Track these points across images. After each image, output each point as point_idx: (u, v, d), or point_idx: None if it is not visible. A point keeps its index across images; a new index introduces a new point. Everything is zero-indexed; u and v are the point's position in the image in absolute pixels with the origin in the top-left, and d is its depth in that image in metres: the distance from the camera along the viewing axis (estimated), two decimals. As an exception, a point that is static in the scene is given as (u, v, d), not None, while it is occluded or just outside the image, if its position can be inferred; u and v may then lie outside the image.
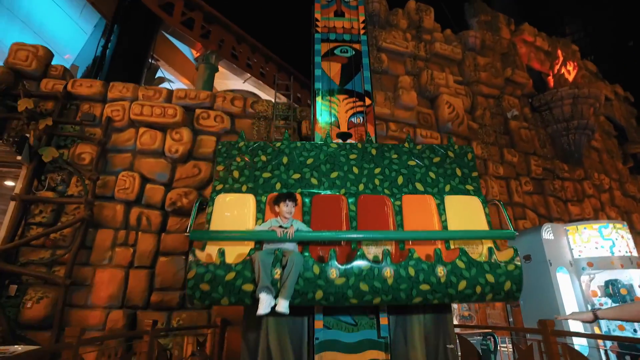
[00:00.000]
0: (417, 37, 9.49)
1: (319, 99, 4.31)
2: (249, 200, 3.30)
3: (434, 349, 3.15)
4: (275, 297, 2.65)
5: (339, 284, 2.65)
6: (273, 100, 7.14)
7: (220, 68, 11.79)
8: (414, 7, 9.79)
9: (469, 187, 3.44)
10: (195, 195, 6.05)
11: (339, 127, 4.19)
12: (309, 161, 3.45)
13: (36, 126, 5.86)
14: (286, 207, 3.09)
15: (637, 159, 14.80)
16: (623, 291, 4.02)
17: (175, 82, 11.44)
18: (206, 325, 5.30)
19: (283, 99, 7.94)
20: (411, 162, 3.49)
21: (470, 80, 9.50)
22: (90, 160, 6.04)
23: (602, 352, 3.82)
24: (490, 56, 10.18)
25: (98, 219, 5.82)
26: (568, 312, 3.97)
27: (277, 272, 2.69)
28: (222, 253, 2.72)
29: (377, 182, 3.40)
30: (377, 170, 3.44)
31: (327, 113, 4.26)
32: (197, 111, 6.63)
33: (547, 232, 4.26)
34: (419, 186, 3.39)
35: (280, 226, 3.00)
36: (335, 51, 4.70)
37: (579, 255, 4.21)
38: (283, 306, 2.59)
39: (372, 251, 3.16)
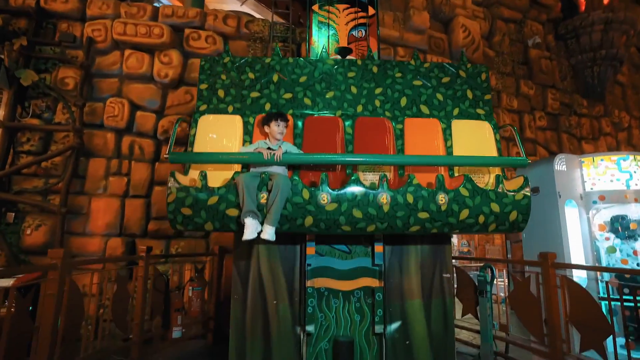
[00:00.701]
0: (435, -53, 8.28)
1: (315, 8, 3.77)
2: (236, 121, 3.02)
3: (430, 278, 3.05)
4: (262, 223, 2.49)
5: (330, 210, 2.47)
6: (270, 20, 6.45)
7: (215, -11, 10.67)
8: None
9: (480, 111, 3.10)
10: (188, 123, 5.73)
11: (337, 41, 3.71)
12: (302, 79, 3.11)
13: (10, 47, 5.39)
14: (277, 127, 2.82)
15: (663, 96, 13.86)
16: (633, 226, 3.83)
17: (163, 1, 10.45)
18: (204, 252, 5.35)
19: (282, 21, 7.19)
20: (417, 82, 3.09)
21: (490, 0, 8.47)
22: (75, 85, 5.66)
23: (601, 284, 3.76)
24: (517, -28, 8.97)
25: (89, 148, 5.61)
26: (573, 247, 3.83)
27: (264, 196, 2.51)
28: (203, 176, 2.52)
29: (377, 103, 3.07)
30: (378, 90, 3.09)
31: (324, 25, 3.74)
32: (187, 31, 6.03)
33: (560, 164, 3.96)
34: (424, 109, 3.06)
35: (269, 148, 2.76)
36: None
37: (592, 188, 3.96)
38: (269, 234, 2.44)
39: (369, 178, 2.93)
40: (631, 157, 3.90)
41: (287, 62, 3.14)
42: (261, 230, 2.46)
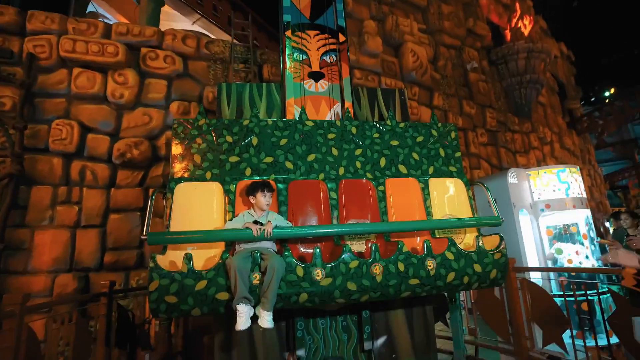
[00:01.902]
0: (383, -21, 8.95)
1: (288, 34, 3.86)
2: (215, 189, 2.85)
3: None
4: (255, 306, 2.35)
5: (325, 285, 2.41)
6: (230, 41, 6.44)
7: (165, 7, 10.39)
8: (380, -55, 9.11)
9: (452, 168, 3.28)
10: (147, 145, 5.44)
11: (310, 66, 3.83)
12: (283, 142, 3.02)
13: None
14: (264, 198, 2.68)
15: (573, 114, 16.07)
16: (573, 229, 4.36)
17: (111, 20, 9.93)
18: (169, 283, 5.01)
19: (240, 43, 7.20)
20: (394, 142, 3.21)
21: (434, 29, 9.31)
22: (13, 106, 5.11)
23: (552, 282, 4.19)
24: (454, 5, 9.98)
25: (31, 175, 5.05)
26: (528, 251, 4.25)
27: (256, 277, 2.38)
28: (189, 258, 2.33)
29: (358, 164, 3.10)
30: (358, 152, 3.12)
31: (297, 50, 3.84)
32: (143, 50, 5.79)
33: (512, 177, 4.42)
34: (402, 168, 3.17)
35: (255, 221, 2.61)
36: (304, -19, 4.17)
37: (539, 198, 4.46)
38: (267, 321, 2.30)
39: (357, 244, 2.93)
40: (567, 169, 4.48)
41: (266, 123, 3.07)
42: (253, 314, 2.34)
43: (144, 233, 2.50)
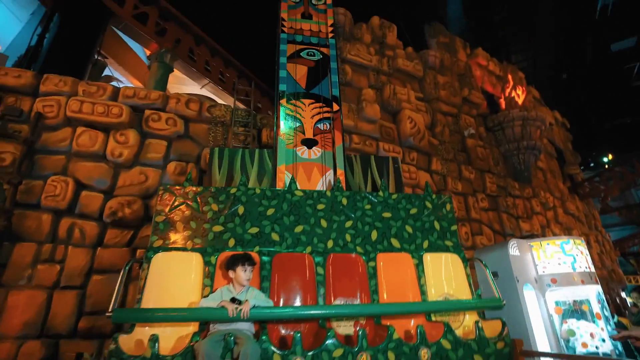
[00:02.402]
0: (380, 52, 9.57)
1: (283, 102, 3.98)
2: (195, 260, 2.71)
3: None
4: None
5: None
6: (232, 106, 6.69)
7: (176, 72, 11.09)
8: (378, 23, 9.91)
9: (448, 242, 3.13)
10: (139, 204, 5.37)
11: (304, 133, 3.88)
12: (270, 212, 2.93)
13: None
14: (244, 273, 2.55)
15: (573, 179, 16.10)
16: (585, 307, 4.04)
17: (125, 83, 10.54)
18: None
19: (243, 107, 7.51)
20: (386, 214, 3.06)
21: (430, 97, 9.71)
22: (12, 161, 5.16)
23: (567, 371, 3.76)
24: (449, 76, 10.54)
25: (17, 231, 4.93)
26: (536, 331, 3.89)
27: None
28: (154, 341, 2.17)
29: (348, 237, 2.97)
30: (349, 224, 3.01)
31: (291, 118, 3.93)
32: (147, 112, 6.00)
33: (513, 248, 4.21)
34: (394, 242, 3.03)
35: (233, 299, 2.45)
36: (301, 54, 4.43)
37: (543, 272, 4.20)
38: None
39: (344, 327, 2.71)
40: (572, 241, 4.28)
41: (254, 192, 3.00)
42: None
43: (110, 309, 2.32)
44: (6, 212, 4.83)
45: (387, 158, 4.06)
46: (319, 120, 3.99)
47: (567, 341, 4.08)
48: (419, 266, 2.99)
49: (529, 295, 4.10)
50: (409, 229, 3.12)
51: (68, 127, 5.64)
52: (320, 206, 3.05)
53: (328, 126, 3.96)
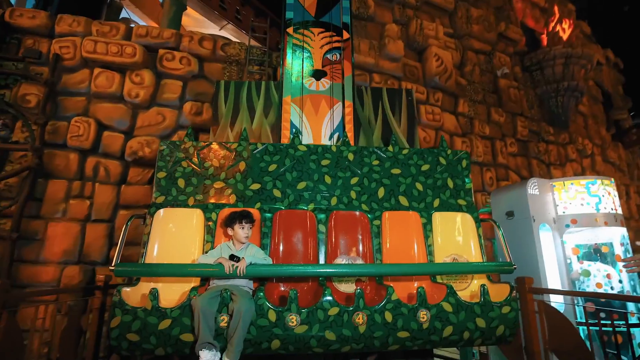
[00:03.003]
0: (408, -18, 8.70)
1: (290, 31, 3.76)
2: (196, 216, 2.72)
3: None
4: (221, 352, 2.17)
5: (299, 332, 2.19)
6: (247, 44, 6.46)
7: (194, 14, 10.72)
8: (407, -52, 8.90)
9: (461, 201, 2.94)
10: (158, 144, 5.50)
11: (312, 64, 3.69)
12: (272, 168, 2.84)
13: (-31, 61, 5.10)
14: (242, 230, 2.54)
15: (620, 126, 14.80)
16: (605, 249, 3.87)
17: (138, 22, 10.38)
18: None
19: (258, 45, 7.22)
20: (395, 171, 2.87)
21: (461, 33, 8.91)
22: (37, 103, 5.36)
23: (578, 309, 3.72)
24: (484, 9, 9.52)
25: (49, 169, 5.26)
26: (549, 272, 3.81)
27: (224, 318, 2.20)
28: (154, 295, 2.21)
29: (353, 194, 2.84)
30: (354, 180, 2.87)
31: (299, 48, 3.73)
32: (161, 51, 5.92)
33: (533, 187, 4.00)
34: (402, 200, 2.87)
35: (231, 256, 2.44)
36: (311, -22, 4.07)
37: (564, 212, 4.00)
38: None
39: (345, 285, 2.66)
40: (599, 181, 4.00)
41: (255, 147, 2.89)
42: None
43: (113, 263, 2.43)
44: (37, 151, 5.11)
45: (400, 90, 3.82)
46: (329, 51, 3.75)
47: (580, 281, 3.99)
48: (427, 225, 2.85)
49: (545, 236, 3.96)
50: (419, 186, 2.95)
51: (85, 68, 5.70)
52: (325, 162, 2.92)
53: (338, 57, 3.73)
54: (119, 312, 2.18)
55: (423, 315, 2.29)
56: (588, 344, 3.01)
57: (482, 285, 2.48)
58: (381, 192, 2.89)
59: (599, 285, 3.78)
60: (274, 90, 3.69)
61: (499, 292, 2.53)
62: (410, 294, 2.55)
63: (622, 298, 3.64)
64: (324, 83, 3.61)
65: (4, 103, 5.24)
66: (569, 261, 3.98)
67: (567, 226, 3.93)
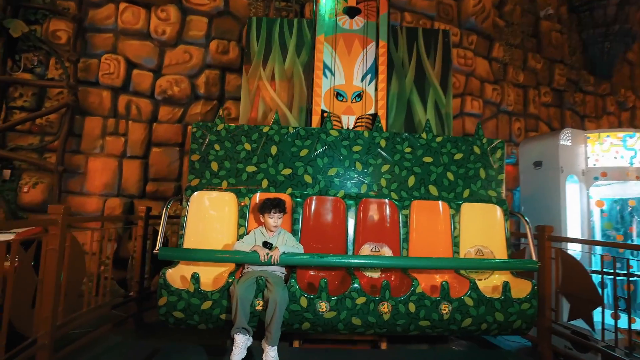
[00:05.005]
0: None
1: (324, -37, 3.54)
2: (230, 200, 2.82)
3: None
4: (254, 333, 2.41)
5: (328, 317, 2.36)
6: (273, -23, 6.10)
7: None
8: None
9: (492, 193, 2.92)
10: (187, 83, 5.58)
11: (346, 0, 3.52)
12: (303, 153, 2.86)
13: (-2, -7, 5.08)
14: (271, 219, 2.64)
15: (669, 77, 13.62)
16: (631, 202, 3.86)
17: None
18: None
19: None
20: (427, 159, 2.88)
21: (505, -34, 8.06)
22: (67, 40, 5.40)
23: (595, 257, 3.83)
24: (534, -63, 8.48)
25: (84, 106, 5.45)
26: (570, 223, 3.86)
27: (259, 302, 2.39)
28: (196, 279, 2.38)
29: (383, 182, 2.87)
30: (385, 168, 2.89)
31: (333, -17, 3.53)
32: (185, -15, 5.70)
33: (566, 138, 3.92)
34: (432, 190, 2.89)
35: (264, 243, 2.61)
36: None
37: (594, 165, 3.94)
38: (271, 357, 2.29)
39: (372, 271, 2.82)
40: (638, 134, 3.86)
41: (287, 131, 2.87)
42: (250, 345, 2.38)
43: (157, 247, 2.61)
44: (73, 88, 5.26)
45: (437, 30, 3.65)
46: (363, -14, 3.55)
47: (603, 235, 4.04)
48: (455, 216, 2.88)
49: (571, 188, 3.96)
50: (450, 175, 2.94)
51: (111, 3, 5.60)
52: (357, 148, 2.92)
53: (373, -7, 3.53)
54: (165, 292, 2.40)
55: (445, 308, 2.42)
56: (600, 290, 3.16)
57: (505, 283, 2.56)
58: (411, 181, 2.92)
59: (619, 237, 3.84)
60: (307, 28, 3.59)
61: (520, 289, 2.63)
62: (434, 285, 2.70)
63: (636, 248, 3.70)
64: (358, 21, 3.48)
65: (36, 39, 5.30)
66: (593, 214, 4.01)
67: (596, 178, 3.89)
